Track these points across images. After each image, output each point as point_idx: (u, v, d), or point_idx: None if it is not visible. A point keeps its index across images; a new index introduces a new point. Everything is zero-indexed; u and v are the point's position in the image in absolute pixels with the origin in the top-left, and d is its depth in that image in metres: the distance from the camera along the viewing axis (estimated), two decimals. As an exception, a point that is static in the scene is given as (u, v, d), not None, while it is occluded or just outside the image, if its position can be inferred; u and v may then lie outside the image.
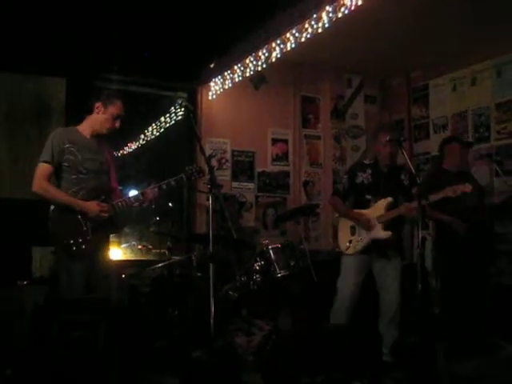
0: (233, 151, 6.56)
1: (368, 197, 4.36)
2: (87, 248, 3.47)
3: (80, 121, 3.73)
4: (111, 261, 3.96)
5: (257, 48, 5.42)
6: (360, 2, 4.34)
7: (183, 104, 4.16)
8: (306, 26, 4.82)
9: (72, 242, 3.43)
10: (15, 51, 5.28)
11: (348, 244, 4.37)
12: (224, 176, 6.40)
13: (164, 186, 3.67)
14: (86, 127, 3.67)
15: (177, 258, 5.10)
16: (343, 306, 4.28)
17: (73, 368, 3.06)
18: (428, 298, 4.90)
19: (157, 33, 5.20)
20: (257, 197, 6.65)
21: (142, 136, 6.81)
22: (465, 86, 6.19)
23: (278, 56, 5.36)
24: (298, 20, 4.75)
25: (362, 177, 4.39)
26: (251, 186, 6.63)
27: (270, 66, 5.64)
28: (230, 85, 6.14)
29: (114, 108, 3.62)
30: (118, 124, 3.66)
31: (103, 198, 3.60)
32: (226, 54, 5.75)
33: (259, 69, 5.72)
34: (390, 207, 4.26)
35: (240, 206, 6.42)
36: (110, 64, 5.56)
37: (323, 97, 6.98)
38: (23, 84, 5.61)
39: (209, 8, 4.79)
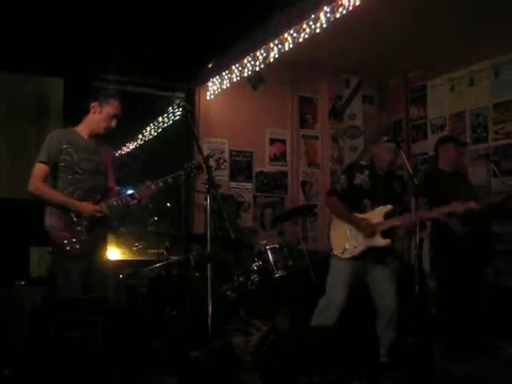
0: (231, 151, 6.56)
1: (365, 201, 4.25)
2: (81, 248, 3.47)
3: (78, 121, 3.74)
4: (109, 261, 3.96)
5: (255, 48, 5.42)
6: (358, 3, 4.34)
7: (181, 104, 4.16)
8: (304, 26, 4.81)
9: (66, 242, 3.44)
10: (13, 51, 5.28)
11: (344, 248, 4.22)
12: (222, 176, 6.40)
13: (161, 184, 3.66)
14: (84, 128, 3.68)
15: (175, 258, 5.10)
16: (332, 311, 4.13)
17: (71, 368, 3.06)
18: (425, 299, 4.91)
19: (154, 33, 5.20)
20: (255, 197, 6.65)
21: (140, 136, 6.82)
22: (463, 86, 6.19)
23: (276, 56, 5.35)
24: (296, 20, 4.75)
25: (360, 178, 4.27)
26: (249, 186, 6.64)
27: (268, 66, 5.64)
28: (228, 85, 6.14)
29: (111, 108, 3.63)
30: (114, 123, 3.66)
31: (99, 198, 3.60)
32: (224, 54, 5.74)
33: (257, 69, 5.72)
34: (388, 215, 4.17)
35: (238, 206, 6.42)
36: (107, 64, 5.57)
37: (321, 97, 6.99)
38: (21, 84, 5.60)
39: (207, 8, 4.79)
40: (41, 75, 5.65)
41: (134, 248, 5.40)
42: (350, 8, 4.40)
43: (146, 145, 6.72)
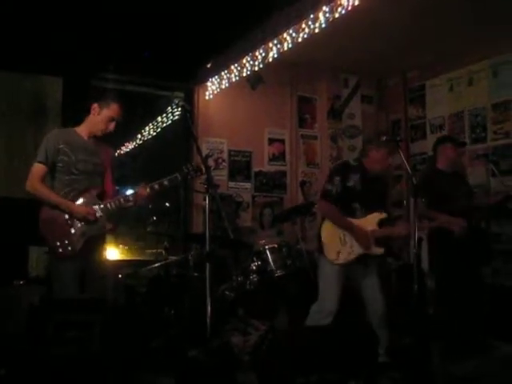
0: (229, 151, 6.55)
1: (354, 204, 4.11)
2: (74, 250, 3.46)
3: (76, 120, 3.73)
4: (107, 261, 3.95)
5: (254, 48, 5.42)
6: (357, 2, 4.34)
7: (180, 104, 4.17)
8: (303, 25, 4.81)
9: (58, 243, 3.44)
10: (11, 50, 5.27)
11: (337, 254, 4.07)
12: (221, 176, 6.39)
13: (156, 186, 3.65)
14: (84, 128, 3.67)
15: (173, 257, 5.10)
16: (324, 316, 4.03)
17: (68, 368, 3.06)
18: (424, 298, 4.91)
19: (153, 32, 5.20)
20: (253, 197, 6.65)
21: (139, 136, 6.82)
22: (461, 86, 6.19)
23: (275, 56, 5.35)
24: (294, 20, 4.75)
25: (353, 180, 4.10)
26: (248, 185, 6.63)
27: (267, 65, 5.64)
28: (227, 85, 6.13)
29: (110, 111, 3.61)
30: (112, 126, 3.64)
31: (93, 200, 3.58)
32: (223, 54, 5.75)
33: (256, 69, 5.71)
34: (382, 223, 4.09)
35: (237, 206, 6.42)
36: (106, 63, 5.57)
37: (320, 97, 6.99)
38: (20, 83, 5.59)
39: (206, 8, 4.79)
40: (39, 74, 5.64)
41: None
42: (349, 8, 4.40)
43: (145, 144, 6.72)
